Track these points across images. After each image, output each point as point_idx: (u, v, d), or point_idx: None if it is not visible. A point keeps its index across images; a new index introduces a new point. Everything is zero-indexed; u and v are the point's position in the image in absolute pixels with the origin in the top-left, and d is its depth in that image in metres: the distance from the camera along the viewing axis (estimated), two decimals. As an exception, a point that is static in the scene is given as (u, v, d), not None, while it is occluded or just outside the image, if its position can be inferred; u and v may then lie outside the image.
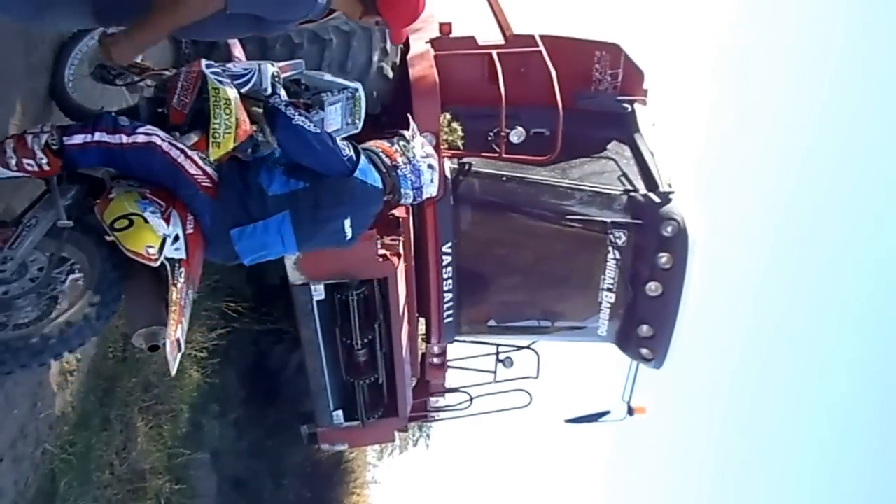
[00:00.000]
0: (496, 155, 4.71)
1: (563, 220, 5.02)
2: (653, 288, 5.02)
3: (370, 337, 4.96)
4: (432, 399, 7.08)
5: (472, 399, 6.77)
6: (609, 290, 5.21)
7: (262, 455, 6.61)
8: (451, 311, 5.42)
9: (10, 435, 3.01)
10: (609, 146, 5.32)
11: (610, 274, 5.14)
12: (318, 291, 4.64)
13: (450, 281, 5.24)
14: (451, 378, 7.06)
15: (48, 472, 3.28)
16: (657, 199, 4.89)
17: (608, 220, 4.96)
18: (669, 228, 4.80)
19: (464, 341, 6.28)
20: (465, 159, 4.96)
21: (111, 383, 3.86)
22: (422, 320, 5.93)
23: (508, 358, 6.68)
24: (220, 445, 5.65)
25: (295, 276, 4.54)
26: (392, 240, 4.63)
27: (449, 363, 6.78)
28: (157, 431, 4.35)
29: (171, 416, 4.53)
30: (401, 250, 4.71)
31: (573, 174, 5.13)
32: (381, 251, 4.52)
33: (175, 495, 4.51)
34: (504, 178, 5.00)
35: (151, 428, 4.30)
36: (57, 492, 3.28)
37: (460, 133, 4.92)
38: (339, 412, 5.37)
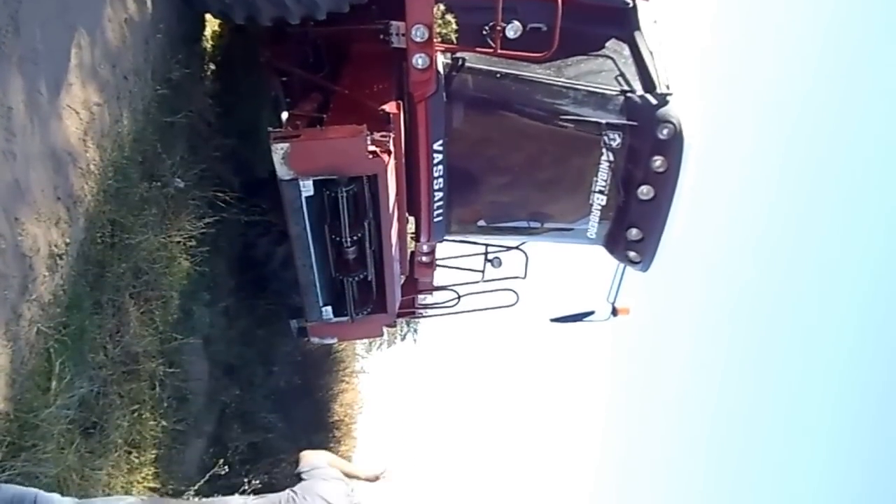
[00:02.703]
0: (491, 50, 4.56)
1: (557, 119, 4.95)
2: (644, 191, 5.02)
3: (359, 234, 4.95)
4: (420, 296, 7.24)
5: (459, 297, 6.92)
6: (601, 192, 5.21)
7: (252, 343, 6.77)
8: (441, 210, 5.43)
9: (3, 316, 3.07)
10: (608, 44, 5.18)
11: (602, 176, 5.12)
12: (307, 188, 4.56)
13: (440, 179, 5.21)
14: (440, 276, 7.19)
15: (43, 351, 3.35)
16: (654, 101, 4.80)
17: (603, 120, 4.88)
18: (665, 131, 4.75)
19: (453, 240, 6.33)
20: (458, 54, 4.82)
21: (101, 269, 3.88)
22: (412, 219, 5.94)
23: (497, 258, 6.78)
24: (212, 332, 5.76)
25: (283, 172, 4.47)
26: (382, 136, 4.53)
27: (438, 262, 6.87)
28: (148, 317, 4.40)
29: (161, 303, 4.57)
30: (391, 147, 4.61)
31: (569, 73, 5.01)
32: (371, 147, 4.43)
33: (168, 377, 4.65)
34: (498, 75, 4.88)
35: (143, 313, 4.36)
36: (53, 370, 3.37)
37: (454, 26, 4.76)
38: (329, 308, 5.41)
